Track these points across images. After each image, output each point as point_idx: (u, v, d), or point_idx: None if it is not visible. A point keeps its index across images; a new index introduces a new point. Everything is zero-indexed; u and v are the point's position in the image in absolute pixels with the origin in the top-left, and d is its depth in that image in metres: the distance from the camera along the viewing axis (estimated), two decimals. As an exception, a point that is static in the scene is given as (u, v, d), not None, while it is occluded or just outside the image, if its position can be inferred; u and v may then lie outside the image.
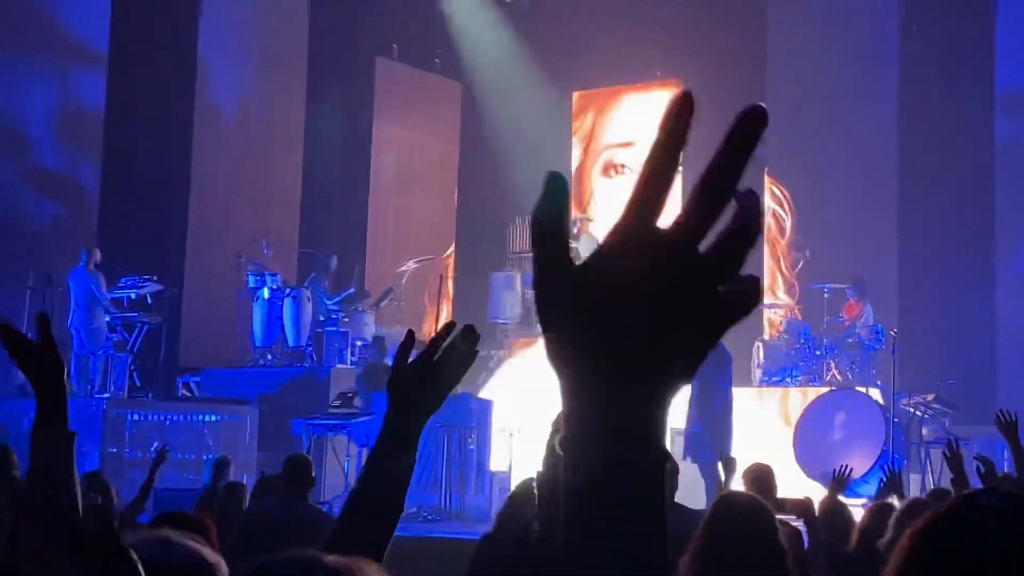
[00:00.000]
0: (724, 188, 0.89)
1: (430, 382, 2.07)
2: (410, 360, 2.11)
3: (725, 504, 3.77)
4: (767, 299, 16.56)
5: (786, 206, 17.77)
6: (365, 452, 12.07)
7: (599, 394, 0.91)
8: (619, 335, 0.89)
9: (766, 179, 16.89)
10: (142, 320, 14.33)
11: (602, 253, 0.91)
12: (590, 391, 0.91)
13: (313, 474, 6.84)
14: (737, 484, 6.72)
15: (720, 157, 0.90)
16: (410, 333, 2.16)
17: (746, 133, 0.90)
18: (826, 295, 15.09)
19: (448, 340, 2.08)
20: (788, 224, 17.82)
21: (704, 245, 0.90)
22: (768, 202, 17.66)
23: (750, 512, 3.72)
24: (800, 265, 17.13)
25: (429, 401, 2.08)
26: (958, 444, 6.46)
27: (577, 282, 0.90)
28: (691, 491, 10.05)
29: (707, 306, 0.90)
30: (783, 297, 17.05)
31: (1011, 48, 15.71)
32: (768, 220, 17.72)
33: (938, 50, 15.94)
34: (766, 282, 16.46)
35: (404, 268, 16.24)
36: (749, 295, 0.91)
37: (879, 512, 5.98)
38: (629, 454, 0.90)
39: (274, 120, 17.22)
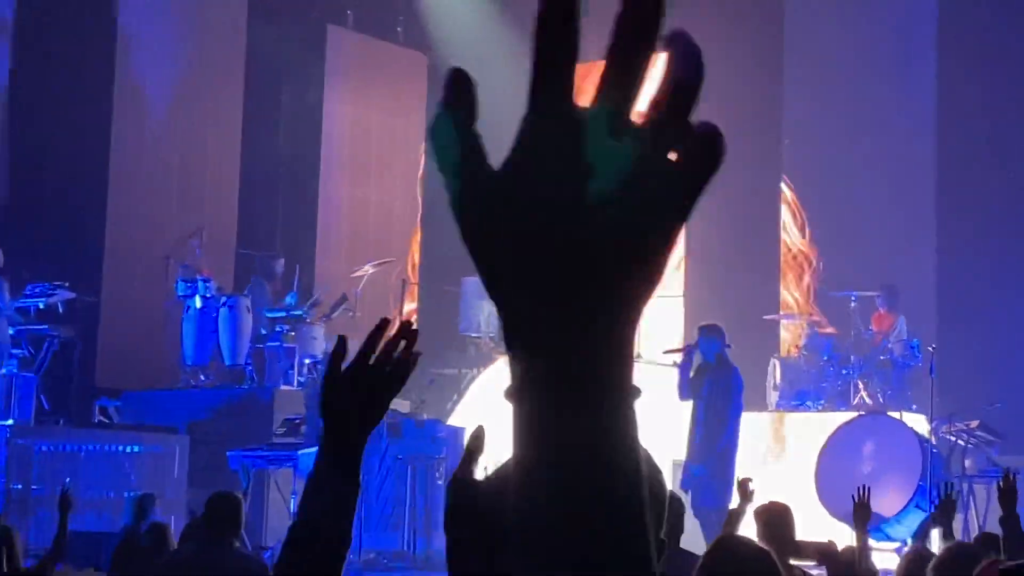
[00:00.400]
0: (642, 37, 0.85)
1: (366, 393, 2.13)
2: (343, 370, 2.17)
3: (722, 549, 3.84)
4: (781, 311, 16.73)
5: (794, 208, 17.95)
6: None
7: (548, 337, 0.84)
8: (560, 249, 0.84)
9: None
10: (52, 334, 14.35)
11: (516, 149, 0.88)
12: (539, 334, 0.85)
13: (241, 515, 6.85)
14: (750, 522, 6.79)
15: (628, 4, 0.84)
16: (341, 340, 2.22)
17: None
18: (853, 304, 15.22)
19: (383, 341, 2.14)
20: (796, 229, 18.00)
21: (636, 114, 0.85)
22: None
23: (751, 560, 3.78)
24: (809, 276, 17.32)
25: (367, 415, 2.15)
26: (1015, 477, 6.50)
27: (498, 190, 0.87)
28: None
29: (660, 183, 0.85)
30: (796, 314, 17.23)
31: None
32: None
33: (982, 31, 16.12)
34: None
35: (360, 272, 16.28)
36: (710, 144, 0.86)
37: (919, 559, 6.00)
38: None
39: (208, 99, 17.26)
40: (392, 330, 2.15)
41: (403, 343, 2.14)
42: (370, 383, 2.13)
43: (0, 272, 13.97)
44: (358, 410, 2.14)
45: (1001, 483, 6.35)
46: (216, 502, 6.82)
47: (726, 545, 3.94)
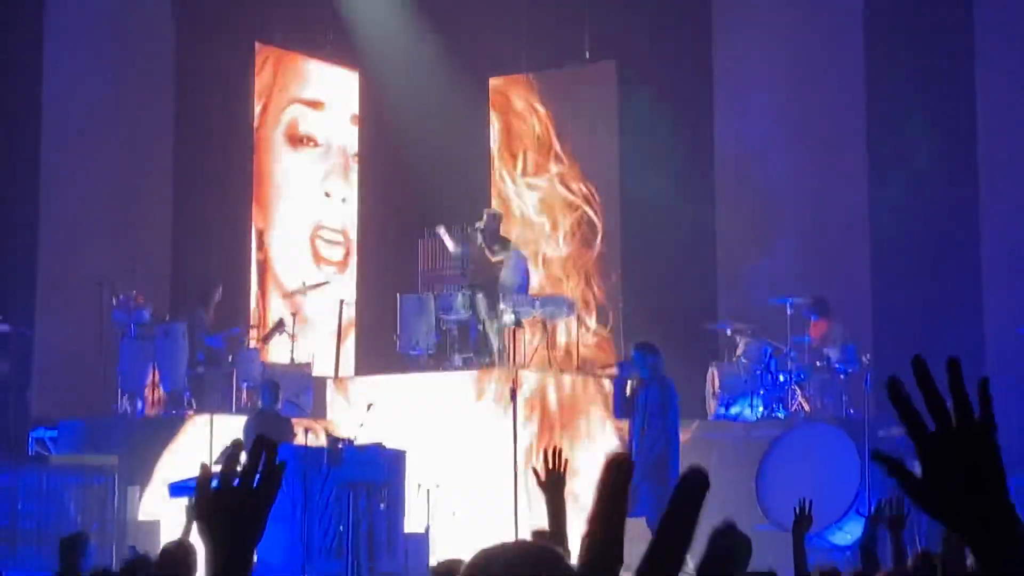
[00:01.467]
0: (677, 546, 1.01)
1: (243, 509, 2.14)
2: (212, 489, 2.17)
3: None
4: (587, 322, 16.93)
5: (596, 207, 18.08)
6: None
7: None
8: None
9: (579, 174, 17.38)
10: (-14, 367, 14.22)
11: None
12: None
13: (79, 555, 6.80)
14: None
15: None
16: (204, 467, 2.21)
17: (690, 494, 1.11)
18: (789, 312, 15.32)
19: (243, 458, 2.14)
20: (600, 230, 18.13)
21: None
22: (577, 201, 18.03)
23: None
24: (613, 279, 17.50)
25: (249, 530, 2.15)
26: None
27: None
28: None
29: None
30: (591, 323, 17.38)
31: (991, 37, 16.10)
32: (572, 227, 18.11)
33: (912, 31, 16.31)
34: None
35: (296, 293, 16.25)
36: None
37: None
38: None
39: (138, 123, 17.13)
40: (247, 450, 2.15)
41: (263, 458, 2.14)
42: (244, 501, 2.13)
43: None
44: (241, 529, 2.14)
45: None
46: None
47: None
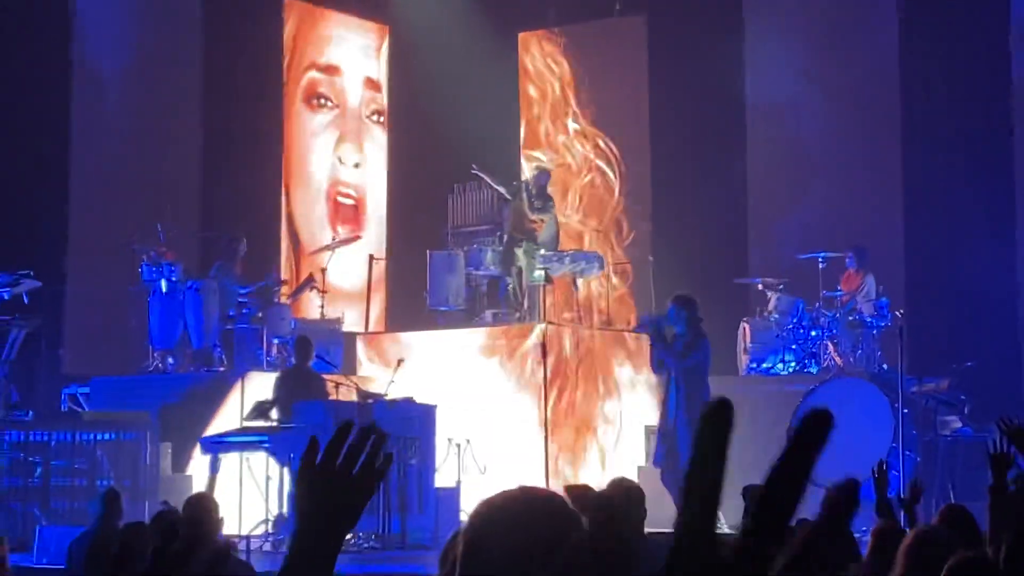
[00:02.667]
0: (789, 499, 1.02)
1: (340, 492, 2.07)
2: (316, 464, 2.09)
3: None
4: (613, 281, 16.82)
5: (615, 163, 17.96)
6: (287, 472, 12.09)
7: None
8: None
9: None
10: (18, 324, 14.22)
11: None
12: None
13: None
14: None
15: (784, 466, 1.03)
16: (312, 441, 2.13)
17: (809, 440, 1.04)
18: (821, 266, 15.22)
19: (350, 440, 2.07)
20: (617, 188, 18.02)
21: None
22: (594, 159, 17.90)
23: None
24: (631, 237, 17.37)
25: (344, 516, 2.07)
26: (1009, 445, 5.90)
27: None
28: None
29: None
30: (616, 283, 17.26)
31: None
32: (595, 179, 17.99)
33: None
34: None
35: (326, 249, 16.20)
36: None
37: (886, 536, 5.91)
38: None
39: (166, 82, 17.10)
40: (357, 433, 2.07)
41: (370, 444, 2.05)
42: (340, 484, 2.05)
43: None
44: (337, 512, 2.05)
45: (996, 445, 5.89)
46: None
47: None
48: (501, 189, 15.54)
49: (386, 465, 2.05)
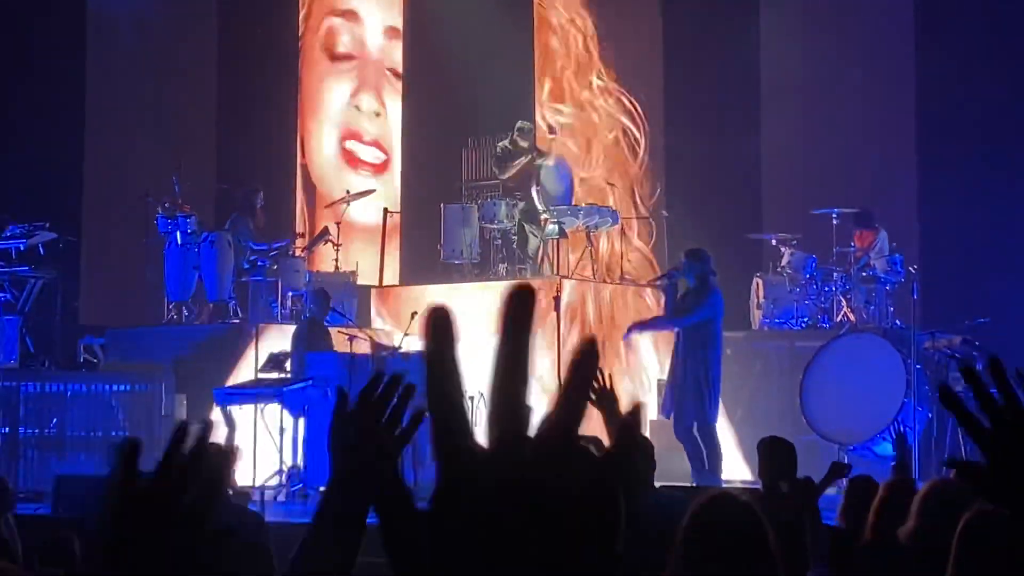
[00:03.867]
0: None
1: (375, 441, 2.05)
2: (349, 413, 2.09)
3: (709, 511, 3.74)
4: (629, 237, 16.74)
5: (639, 122, 17.86)
6: (302, 423, 12.14)
7: None
8: None
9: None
10: (34, 275, 14.27)
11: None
12: None
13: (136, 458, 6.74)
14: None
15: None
16: (340, 391, 2.13)
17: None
18: (835, 222, 15.19)
19: (382, 393, 2.06)
20: (642, 145, 17.92)
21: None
22: (620, 117, 17.80)
23: (739, 517, 3.69)
24: (657, 194, 17.30)
25: (378, 465, 2.05)
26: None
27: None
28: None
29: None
30: (637, 242, 17.19)
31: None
32: (618, 138, 17.88)
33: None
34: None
35: (341, 202, 16.18)
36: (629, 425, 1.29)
37: (899, 489, 5.90)
38: None
39: (181, 33, 17.06)
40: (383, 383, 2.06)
41: (398, 395, 2.05)
42: (373, 433, 2.04)
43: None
44: (365, 460, 2.03)
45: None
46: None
47: (714, 505, 3.85)
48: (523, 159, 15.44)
49: (419, 417, 2.03)
